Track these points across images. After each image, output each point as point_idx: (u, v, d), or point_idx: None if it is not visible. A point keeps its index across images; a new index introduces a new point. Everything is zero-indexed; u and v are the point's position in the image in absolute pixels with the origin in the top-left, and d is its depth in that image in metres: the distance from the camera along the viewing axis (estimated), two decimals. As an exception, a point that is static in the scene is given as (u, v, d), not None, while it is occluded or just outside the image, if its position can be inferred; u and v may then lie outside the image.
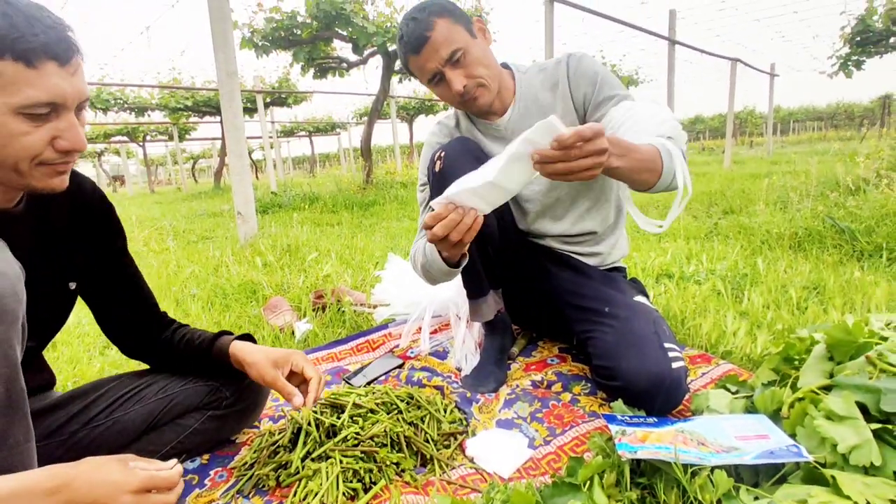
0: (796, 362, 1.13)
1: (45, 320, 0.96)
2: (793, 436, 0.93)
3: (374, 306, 2.03)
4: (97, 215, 1.01)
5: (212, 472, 1.11)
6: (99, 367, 1.68)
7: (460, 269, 1.25)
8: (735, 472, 0.91)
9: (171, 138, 17.40)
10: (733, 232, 3.19)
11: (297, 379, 1.09)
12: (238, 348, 1.08)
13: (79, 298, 1.05)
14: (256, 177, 20.20)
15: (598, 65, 1.34)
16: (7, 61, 0.67)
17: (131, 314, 1.10)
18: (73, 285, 1.00)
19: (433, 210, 1.01)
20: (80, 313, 2.24)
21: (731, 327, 1.61)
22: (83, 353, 1.82)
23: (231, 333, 1.14)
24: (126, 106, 12.43)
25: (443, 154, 1.35)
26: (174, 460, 0.83)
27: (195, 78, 11.76)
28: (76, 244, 0.98)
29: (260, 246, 3.24)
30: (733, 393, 1.16)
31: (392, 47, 7.17)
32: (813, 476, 0.84)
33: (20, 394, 0.73)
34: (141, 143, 17.84)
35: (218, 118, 12.70)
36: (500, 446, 1.13)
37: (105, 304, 1.08)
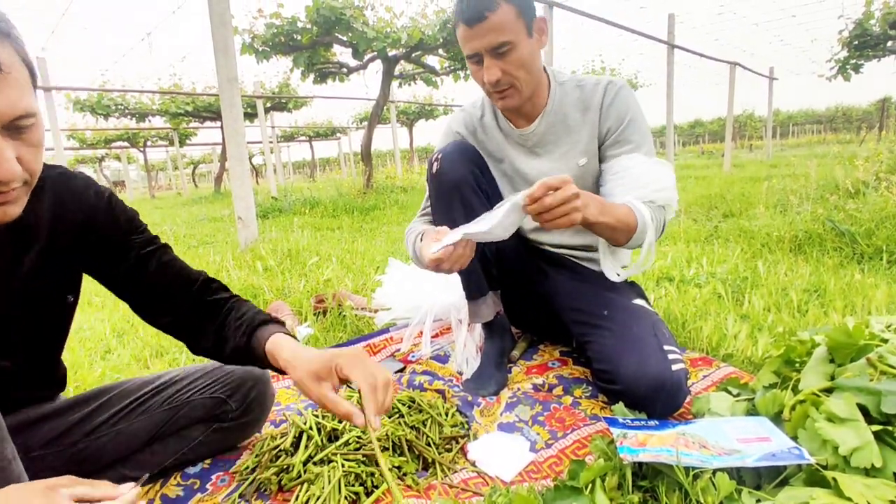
0: (797, 365, 1.13)
1: (40, 333, 0.93)
2: (794, 438, 0.93)
3: (375, 310, 2.03)
4: (93, 215, 0.92)
5: (213, 477, 1.11)
6: (100, 371, 1.68)
7: None
8: (737, 474, 0.91)
9: (171, 143, 17.44)
10: (733, 235, 3.20)
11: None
12: (276, 350, 0.92)
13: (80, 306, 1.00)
14: (257, 181, 20.23)
15: (633, 103, 1.32)
16: None
17: (173, 301, 0.99)
18: (70, 298, 0.95)
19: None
20: (80, 318, 2.24)
21: (731, 330, 1.61)
22: (84, 357, 1.82)
23: (268, 318, 1.00)
24: (127, 111, 12.47)
25: (440, 157, 1.37)
26: (130, 484, 0.70)
27: (196, 83, 11.81)
28: (70, 252, 0.91)
29: (260, 251, 3.24)
30: (734, 395, 1.16)
31: (392, 52, 7.20)
32: (815, 478, 0.84)
33: None
34: (141, 149, 17.90)
35: (218, 123, 12.73)
36: (501, 450, 1.13)
37: (137, 295, 0.99)
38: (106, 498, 0.65)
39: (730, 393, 1.18)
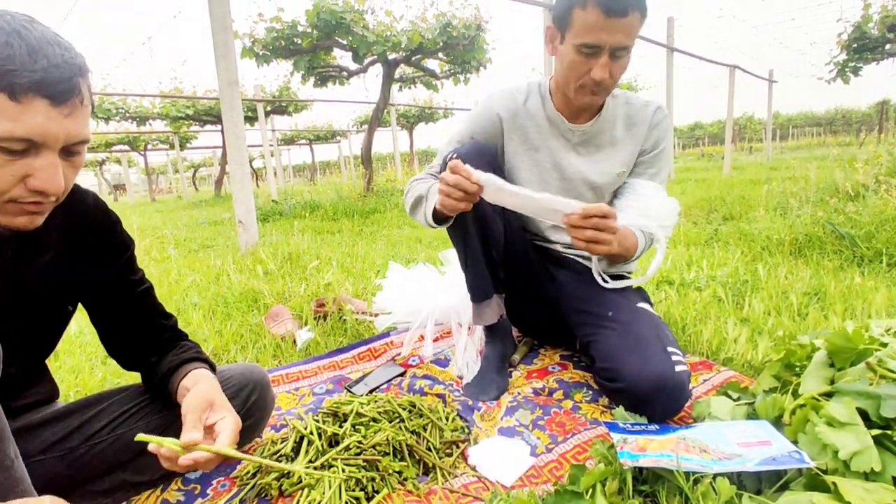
0: (797, 369, 1.13)
1: (39, 339, 0.95)
2: (795, 442, 0.93)
3: (376, 314, 2.04)
4: (99, 232, 0.98)
5: (214, 482, 1.11)
6: (101, 376, 1.69)
7: (437, 227, 1.35)
8: (738, 479, 0.91)
9: (172, 147, 17.47)
10: (733, 238, 3.20)
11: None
12: (183, 389, 0.97)
13: (79, 310, 1.03)
14: (257, 185, 20.25)
15: (671, 133, 1.44)
16: None
17: (134, 334, 1.06)
18: (70, 308, 0.98)
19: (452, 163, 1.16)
20: (82, 323, 2.24)
21: (732, 334, 1.62)
22: (85, 362, 1.83)
23: (201, 361, 1.04)
24: (128, 115, 12.50)
25: (455, 156, 1.35)
26: None
27: (196, 87, 11.85)
28: (76, 264, 0.95)
29: (261, 254, 3.25)
30: (735, 400, 1.16)
31: (392, 56, 7.22)
32: (815, 482, 0.84)
33: (0, 416, 0.72)
34: (142, 152, 17.92)
35: (219, 126, 12.76)
36: (502, 454, 1.13)
37: (108, 320, 1.05)
38: None
39: (730, 397, 1.18)
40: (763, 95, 12.56)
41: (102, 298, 1.02)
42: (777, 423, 1.02)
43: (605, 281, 1.33)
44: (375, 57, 7.17)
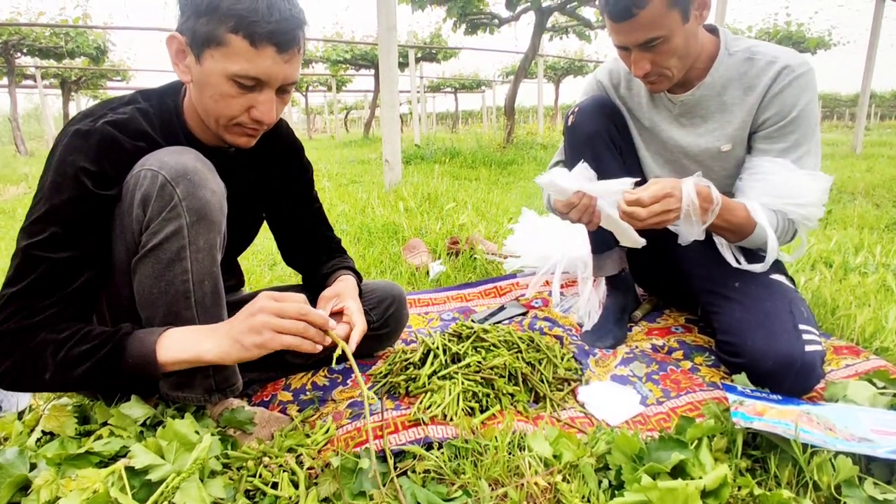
0: (965, 366, 1.01)
1: (238, 237, 1.18)
2: (941, 439, 0.86)
3: (505, 257, 2.12)
4: (289, 154, 1.21)
5: (353, 374, 1.30)
6: (269, 279, 2.00)
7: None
8: (865, 466, 0.87)
9: (329, 89, 18.77)
10: (923, 225, 2.76)
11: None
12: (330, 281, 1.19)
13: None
14: (401, 129, 21.09)
15: (807, 96, 1.16)
16: (239, 37, 0.83)
17: (306, 241, 1.28)
18: (263, 215, 1.23)
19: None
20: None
21: (892, 323, 1.45)
22: (257, 266, 2.17)
23: (352, 271, 1.24)
24: (294, 57, 13.61)
25: (577, 110, 1.39)
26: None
27: (355, 32, 12.50)
28: (270, 177, 1.18)
29: (403, 192, 3.48)
30: (879, 388, 1.08)
31: (546, 3, 6.97)
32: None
33: (222, 287, 0.96)
34: (304, 93, 19.51)
35: (372, 71, 13.40)
36: (611, 397, 1.17)
37: (286, 228, 1.27)
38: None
39: (874, 385, 1.09)
40: None
41: (285, 209, 1.25)
42: (925, 418, 0.94)
43: (738, 262, 1.22)
44: (529, 4, 6.98)
